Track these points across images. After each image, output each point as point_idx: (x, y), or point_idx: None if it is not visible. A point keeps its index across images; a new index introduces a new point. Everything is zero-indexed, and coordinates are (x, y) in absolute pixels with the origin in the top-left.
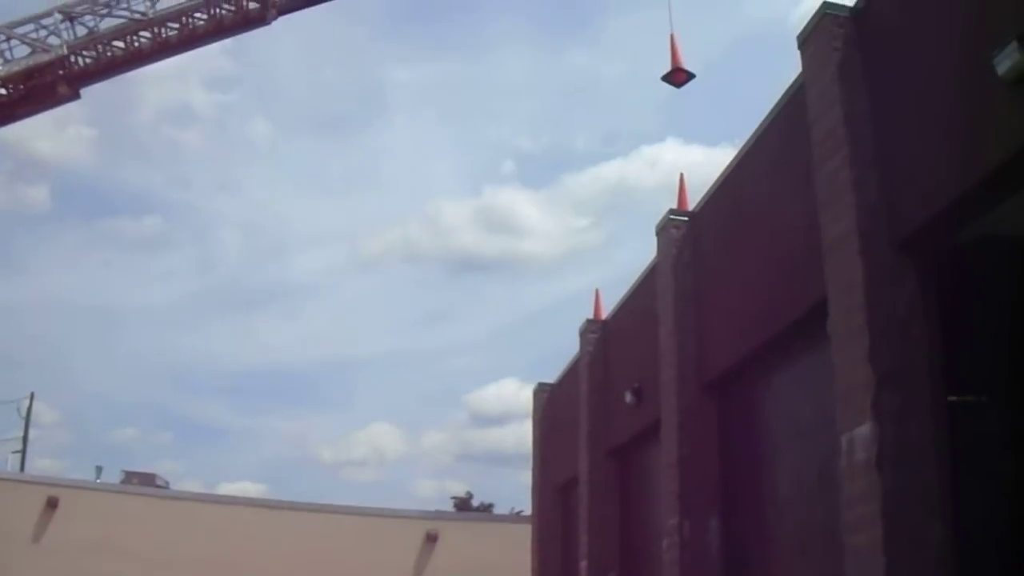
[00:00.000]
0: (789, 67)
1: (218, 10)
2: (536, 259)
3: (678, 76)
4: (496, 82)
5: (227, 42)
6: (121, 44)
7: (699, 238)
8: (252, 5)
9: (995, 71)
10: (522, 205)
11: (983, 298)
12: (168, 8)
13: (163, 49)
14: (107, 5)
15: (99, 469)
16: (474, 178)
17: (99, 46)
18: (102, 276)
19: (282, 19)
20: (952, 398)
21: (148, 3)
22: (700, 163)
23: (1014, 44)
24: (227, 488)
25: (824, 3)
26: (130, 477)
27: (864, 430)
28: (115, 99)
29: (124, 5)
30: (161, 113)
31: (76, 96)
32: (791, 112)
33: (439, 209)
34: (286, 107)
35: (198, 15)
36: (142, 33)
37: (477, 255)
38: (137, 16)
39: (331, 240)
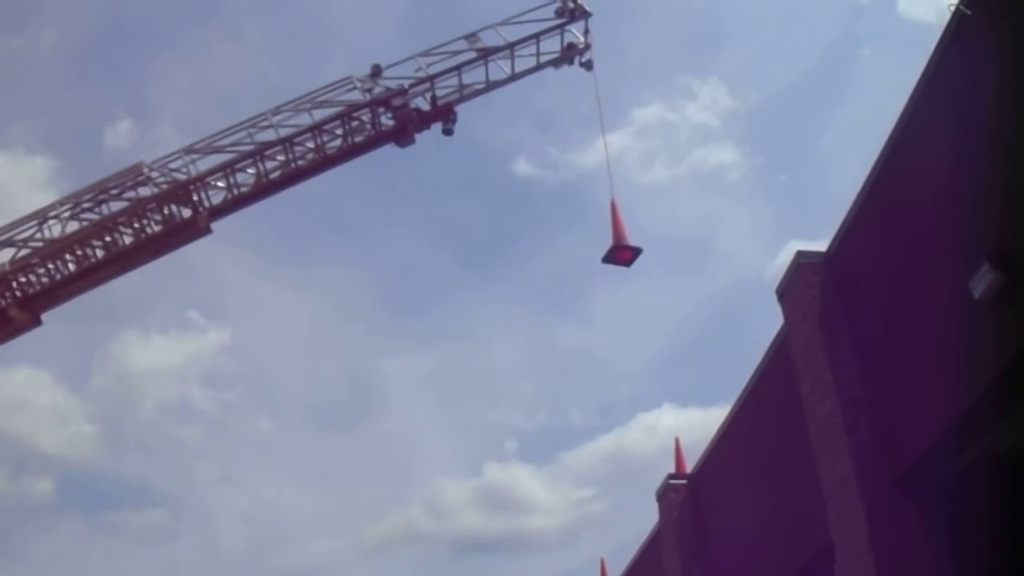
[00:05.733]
0: (772, 319)
1: (145, 223)
2: (541, 533)
3: (623, 254)
4: (490, 366)
5: (226, 340)
6: (51, 266)
7: (699, 498)
8: (184, 213)
9: (972, 294)
10: (524, 481)
11: (989, 517)
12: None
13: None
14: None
15: None
16: (474, 459)
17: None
18: (106, 567)
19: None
20: None
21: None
22: (697, 425)
23: (986, 265)
24: None
25: (798, 253)
26: None
27: None
28: (116, 396)
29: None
30: (161, 409)
31: (37, 323)
32: (777, 364)
33: (441, 491)
34: (284, 401)
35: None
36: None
37: (482, 534)
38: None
39: (334, 528)
